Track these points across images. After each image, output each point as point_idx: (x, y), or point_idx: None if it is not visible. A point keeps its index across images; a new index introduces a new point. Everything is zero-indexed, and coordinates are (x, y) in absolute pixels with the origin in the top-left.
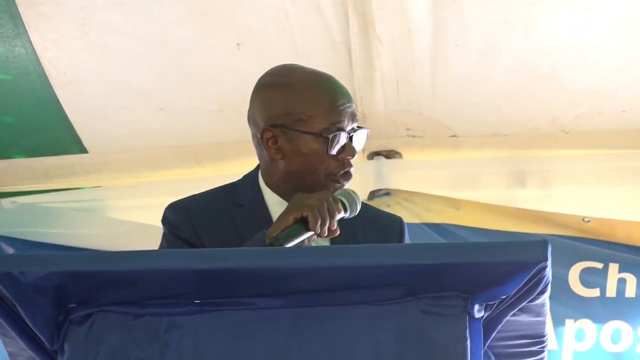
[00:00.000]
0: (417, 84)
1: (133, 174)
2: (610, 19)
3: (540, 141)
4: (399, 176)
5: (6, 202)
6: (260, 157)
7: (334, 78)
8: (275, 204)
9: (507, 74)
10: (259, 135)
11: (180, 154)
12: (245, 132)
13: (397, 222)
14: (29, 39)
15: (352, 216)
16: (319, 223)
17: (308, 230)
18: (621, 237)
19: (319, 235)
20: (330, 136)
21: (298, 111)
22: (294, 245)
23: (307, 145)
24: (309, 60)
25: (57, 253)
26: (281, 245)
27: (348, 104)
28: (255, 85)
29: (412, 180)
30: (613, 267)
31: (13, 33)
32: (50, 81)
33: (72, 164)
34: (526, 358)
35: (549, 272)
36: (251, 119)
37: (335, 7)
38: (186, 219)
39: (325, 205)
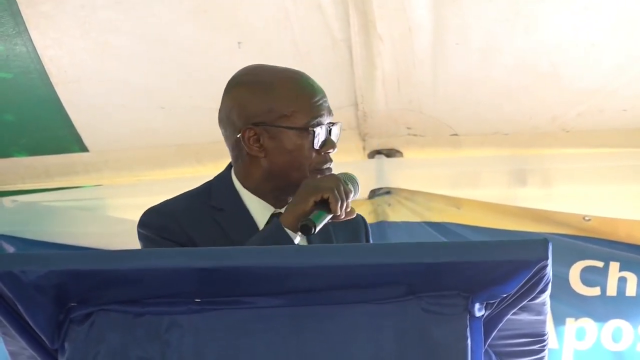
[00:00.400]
0: (418, 83)
1: (134, 173)
2: (610, 17)
3: (541, 140)
4: (400, 175)
5: (7, 200)
6: (237, 158)
7: (306, 74)
8: (255, 206)
9: (507, 73)
10: (238, 135)
11: (181, 152)
12: None
13: (362, 221)
14: (30, 37)
15: (355, 198)
16: (339, 205)
17: (329, 212)
18: (622, 235)
19: (336, 218)
20: (315, 130)
21: (279, 108)
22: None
23: (291, 141)
24: (310, 59)
25: (58, 252)
26: (315, 227)
27: (324, 99)
28: (228, 86)
29: (413, 179)
30: (614, 266)
31: (14, 31)
32: (51, 80)
33: (73, 163)
34: (527, 357)
35: (549, 270)
36: (225, 120)
37: (335, 5)
38: (174, 222)
39: (342, 187)
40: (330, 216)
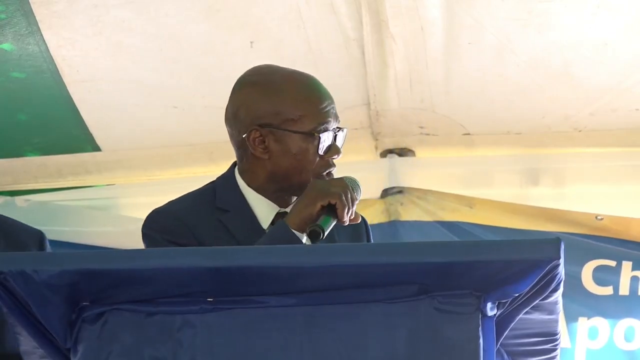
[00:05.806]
0: (431, 82)
1: (146, 172)
2: (623, 15)
3: (554, 139)
4: (412, 174)
5: (20, 200)
6: (242, 157)
7: (315, 78)
8: (260, 205)
9: (520, 72)
10: (243, 135)
11: (194, 151)
12: None
13: (363, 220)
14: (43, 37)
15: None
16: (346, 211)
17: (336, 218)
18: (634, 235)
19: (340, 223)
20: (321, 135)
21: (287, 111)
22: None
23: (296, 145)
24: (322, 58)
25: (71, 251)
26: (324, 233)
27: (332, 105)
28: (236, 84)
29: (426, 178)
30: (626, 265)
31: (26, 31)
32: (64, 79)
33: (86, 162)
34: (539, 356)
35: (561, 270)
36: (232, 119)
37: (348, 5)
38: (179, 223)
39: (349, 193)
40: (335, 221)
